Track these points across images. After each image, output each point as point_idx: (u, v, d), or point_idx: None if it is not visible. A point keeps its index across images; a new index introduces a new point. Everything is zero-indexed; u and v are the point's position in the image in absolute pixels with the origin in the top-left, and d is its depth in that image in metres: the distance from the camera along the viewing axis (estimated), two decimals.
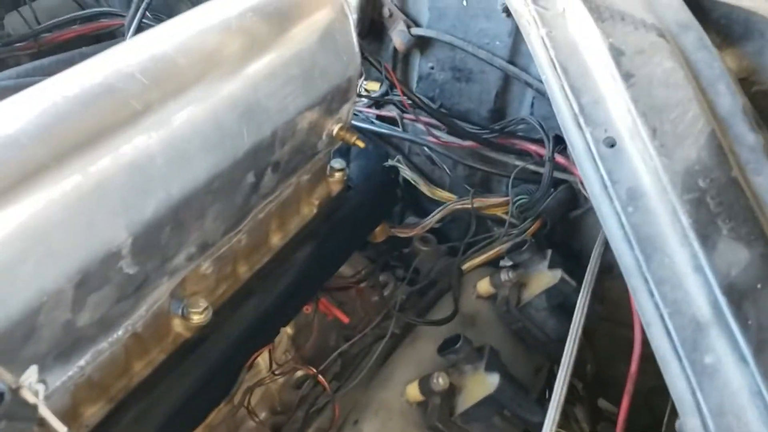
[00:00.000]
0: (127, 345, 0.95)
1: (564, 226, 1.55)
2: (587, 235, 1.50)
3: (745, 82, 1.08)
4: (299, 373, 1.35)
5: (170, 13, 1.72)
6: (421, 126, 1.59)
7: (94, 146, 0.77)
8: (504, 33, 1.44)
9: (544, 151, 1.45)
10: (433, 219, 1.56)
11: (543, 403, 1.21)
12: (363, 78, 1.66)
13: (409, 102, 1.56)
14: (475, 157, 1.58)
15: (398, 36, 1.57)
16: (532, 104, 1.51)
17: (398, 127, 1.64)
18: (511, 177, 1.51)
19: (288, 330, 1.34)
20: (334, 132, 1.23)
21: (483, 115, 1.59)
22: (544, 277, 1.36)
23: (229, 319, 1.11)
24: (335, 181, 1.37)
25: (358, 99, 1.61)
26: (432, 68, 1.60)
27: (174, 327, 1.04)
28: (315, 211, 1.33)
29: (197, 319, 1.02)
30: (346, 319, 1.40)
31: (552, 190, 1.49)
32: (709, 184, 0.88)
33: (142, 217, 0.83)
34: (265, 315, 1.16)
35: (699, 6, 1.13)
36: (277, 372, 1.28)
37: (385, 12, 1.58)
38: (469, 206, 1.53)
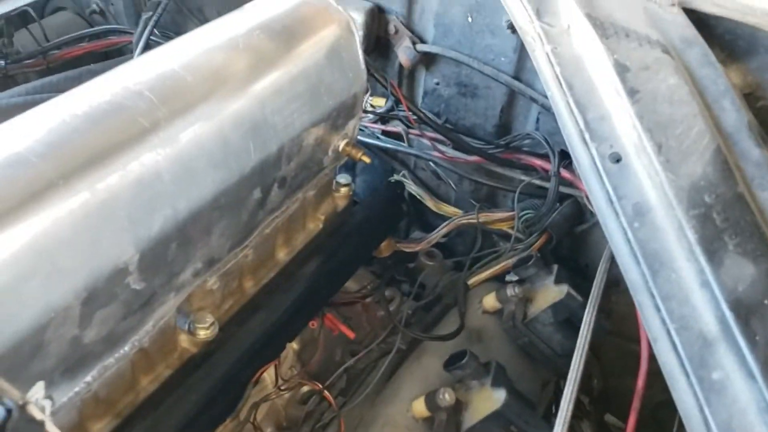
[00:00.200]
0: (133, 360, 0.95)
1: (570, 240, 1.55)
2: (593, 250, 1.50)
3: (750, 97, 1.08)
4: (305, 389, 1.34)
5: (178, 30, 1.74)
6: (426, 141, 1.59)
7: (102, 163, 0.78)
8: (509, 49, 1.44)
9: (550, 166, 1.45)
10: (438, 234, 1.56)
11: (550, 418, 1.20)
12: (369, 93, 1.66)
13: (415, 117, 1.57)
14: (481, 172, 1.59)
15: (404, 52, 1.57)
16: (538, 119, 1.51)
17: (404, 142, 1.64)
18: (517, 192, 1.51)
19: (294, 345, 1.34)
20: (340, 148, 1.24)
21: (488, 130, 1.60)
22: (551, 292, 1.36)
23: (236, 334, 1.11)
24: (341, 197, 1.37)
25: (363, 114, 1.62)
26: (437, 84, 1.61)
27: (180, 342, 1.04)
28: (321, 226, 1.33)
29: (204, 334, 1.02)
30: (351, 335, 1.40)
31: (558, 204, 1.49)
32: (715, 200, 0.88)
33: (149, 233, 0.83)
34: (271, 330, 1.16)
35: (703, 22, 1.14)
36: (282, 387, 1.28)
37: (391, 29, 1.59)
38: (475, 221, 1.53)
